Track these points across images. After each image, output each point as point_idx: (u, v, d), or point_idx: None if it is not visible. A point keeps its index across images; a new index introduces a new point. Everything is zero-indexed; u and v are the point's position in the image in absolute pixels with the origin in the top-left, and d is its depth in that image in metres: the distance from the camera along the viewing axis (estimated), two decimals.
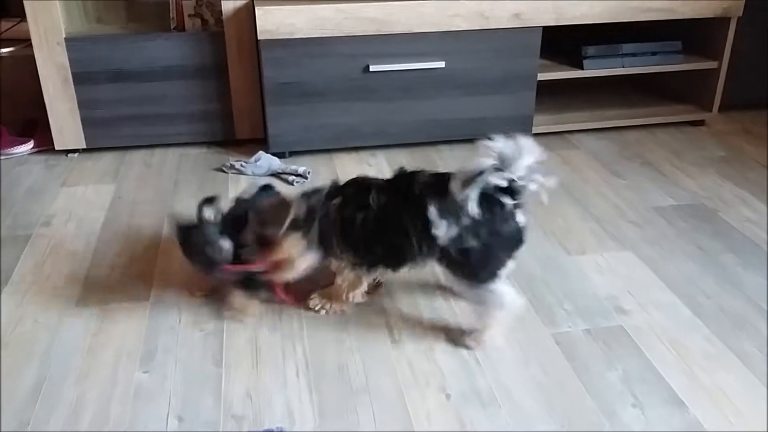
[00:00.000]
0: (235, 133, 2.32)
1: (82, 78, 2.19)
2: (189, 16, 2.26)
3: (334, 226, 1.39)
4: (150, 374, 1.34)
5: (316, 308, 1.51)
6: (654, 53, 2.43)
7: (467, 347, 1.40)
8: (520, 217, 1.34)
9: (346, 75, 2.18)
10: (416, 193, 1.34)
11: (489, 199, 1.28)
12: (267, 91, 2.15)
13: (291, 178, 2.10)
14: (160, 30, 2.28)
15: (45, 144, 2.30)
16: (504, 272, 1.36)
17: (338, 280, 1.48)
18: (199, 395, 1.29)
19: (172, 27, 2.29)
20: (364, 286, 1.49)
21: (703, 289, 1.59)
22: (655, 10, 2.28)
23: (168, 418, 1.24)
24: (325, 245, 1.41)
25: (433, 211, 1.30)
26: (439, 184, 1.32)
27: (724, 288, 1.60)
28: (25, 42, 2.25)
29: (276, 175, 2.14)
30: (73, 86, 2.19)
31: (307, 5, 2.06)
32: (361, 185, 1.43)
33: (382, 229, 1.37)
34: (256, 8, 2.04)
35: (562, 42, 2.42)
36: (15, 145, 2.29)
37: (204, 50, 2.21)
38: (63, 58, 2.15)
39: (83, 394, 1.29)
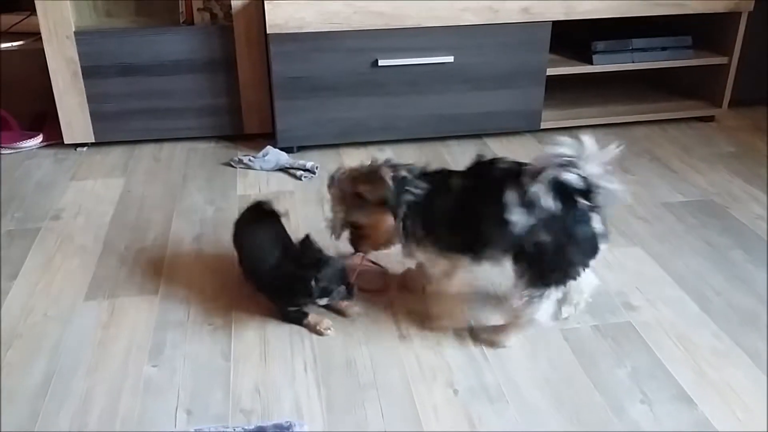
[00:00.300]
0: (243, 127, 2.33)
1: (91, 72, 2.19)
2: (198, 10, 2.26)
3: (420, 211, 1.37)
4: (159, 368, 1.35)
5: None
6: (664, 48, 2.41)
7: (481, 343, 1.40)
8: (596, 223, 1.30)
9: (355, 69, 2.17)
10: (495, 178, 1.32)
11: (564, 196, 1.25)
12: (275, 86, 2.15)
13: (299, 173, 2.10)
14: (169, 24, 2.28)
15: (54, 138, 2.31)
16: (569, 281, 1.33)
17: (427, 269, 1.44)
18: (208, 389, 1.29)
19: (181, 21, 2.29)
20: (455, 271, 1.43)
21: (711, 285, 1.59)
22: (666, 4, 2.26)
23: (177, 411, 1.24)
24: (409, 229, 1.39)
25: (510, 196, 1.28)
26: (518, 172, 1.29)
27: (732, 284, 1.59)
28: (35, 36, 2.25)
29: (284, 169, 2.14)
30: (82, 80, 2.19)
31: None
32: (444, 172, 1.43)
33: (462, 214, 1.36)
34: (266, 2, 2.04)
35: (572, 37, 2.41)
36: (24, 139, 2.29)
37: (213, 44, 2.21)
38: (72, 51, 2.16)
39: (92, 387, 1.30)
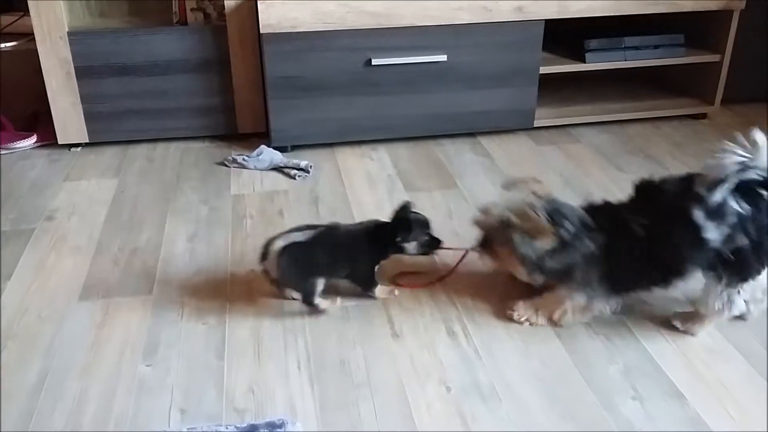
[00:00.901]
0: (237, 127, 2.33)
1: (84, 72, 2.19)
2: (191, 10, 2.26)
3: (595, 262, 1.36)
4: (153, 368, 1.35)
5: (521, 319, 1.45)
6: (656, 46, 2.42)
7: (679, 330, 1.41)
8: None
9: (349, 69, 2.18)
10: (675, 202, 1.33)
11: (749, 193, 1.27)
12: (269, 85, 2.16)
13: (293, 172, 2.10)
14: (162, 24, 2.28)
15: (48, 138, 2.31)
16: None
17: (564, 303, 1.42)
18: (202, 388, 1.30)
19: (174, 21, 2.29)
20: (589, 316, 1.44)
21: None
22: (658, 3, 2.27)
23: (171, 411, 1.25)
24: (570, 278, 1.39)
25: (699, 215, 1.28)
26: (692, 188, 1.30)
27: None
28: (28, 36, 2.25)
29: (278, 169, 2.14)
30: (75, 80, 2.19)
31: None
32: (612, 213, 1.40)
33: (651, 252, 1.35)
34: (259, 2, 2.04)
35: (565, 35, 2.41)
36: (18, 140, 2.29)
37: (206, 44, 2.21)
38: (66, 52, 2.15)
39: (86, 388, 1.30)
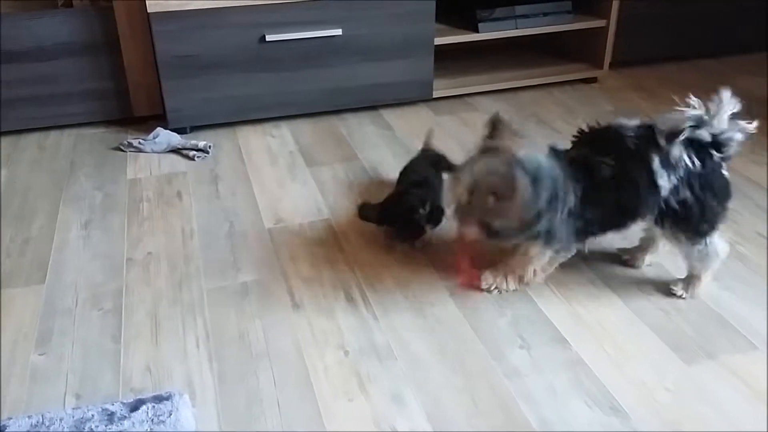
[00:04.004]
0: (132, 110, 2.27)
1: None
2: None
3: (575, 215, 1.37)
4: (47, 356, 1.32)
5: (491, 288, 1.48)
6: (546, 14, 2.50)
7: (680, 297, 1.45)
8: (726, 171, 1.38)
9: (243, 46, 2.15)
10: (636, 147, 1.35)
11: (699, 151, 1.33)
12: (161, 66, 2.11)
13: (192, 153, 2.07)
14: (46, 7, 2.19)
15: None
16: (720, 225, 1.40)
17: (532, 263, 1.44)
18: (98, 372, 1.28)
19: (59, 3, 2.21)
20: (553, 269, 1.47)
21: None
22: None
23: (65, 396, 1.23)
24: (551, 235, 1.38)
25: (656, 162, 1.34)
26: (651, 136, 1.35)
27: None
28: None
29: (176, 151, 2.11)
30: None
31: None
32: (582, 160, 1.39)
33: (615, 194, 1.38)
34: None
35: (458, 6, 2.46)
36: None
37: (94, 26, 2.14)
38: None
39: None
